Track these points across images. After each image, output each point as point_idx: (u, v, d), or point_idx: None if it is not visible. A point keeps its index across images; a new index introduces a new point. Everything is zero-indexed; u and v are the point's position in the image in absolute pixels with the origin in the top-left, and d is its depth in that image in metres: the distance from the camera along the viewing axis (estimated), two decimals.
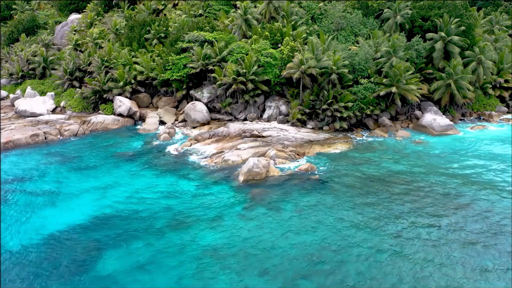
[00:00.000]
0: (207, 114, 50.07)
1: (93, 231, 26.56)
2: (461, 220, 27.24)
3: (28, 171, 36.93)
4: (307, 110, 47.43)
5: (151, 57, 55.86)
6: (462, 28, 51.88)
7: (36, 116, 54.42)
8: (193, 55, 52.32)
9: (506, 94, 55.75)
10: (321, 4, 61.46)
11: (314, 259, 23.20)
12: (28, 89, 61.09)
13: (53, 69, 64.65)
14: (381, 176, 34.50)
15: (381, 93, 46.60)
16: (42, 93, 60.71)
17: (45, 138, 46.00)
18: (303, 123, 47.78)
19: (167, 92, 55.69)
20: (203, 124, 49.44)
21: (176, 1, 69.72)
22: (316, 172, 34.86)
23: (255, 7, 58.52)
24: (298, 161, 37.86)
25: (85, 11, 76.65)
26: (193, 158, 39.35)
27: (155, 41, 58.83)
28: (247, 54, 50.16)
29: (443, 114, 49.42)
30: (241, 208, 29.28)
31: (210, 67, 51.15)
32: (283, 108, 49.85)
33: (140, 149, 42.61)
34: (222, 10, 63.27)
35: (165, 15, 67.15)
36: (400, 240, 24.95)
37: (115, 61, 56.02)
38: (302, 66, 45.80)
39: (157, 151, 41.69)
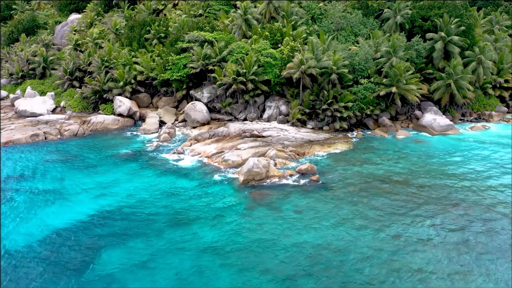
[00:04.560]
0: (207, 114, 50.08)
1: (93, 230, 26.55)
2: (462, 221, 27.23)
3: (28, 170, 36.94)
4: (307, 110, 47.44)
5: (151, 57, 55.87)
6: (462, 28, 51.92)
7: (36, 116, 54.44)
8: (193, 55, 52.33)
9: (506, 94, 55.81)
10: (321, 4, 61.50)
11: (315, 258, 23.19)
12: (28, 89, 61.12)
13: (53, 69, 64.67)
14: (381, 176, 34.50)
15: (381, 93, 46.63)
16: (42, 93, 60.73)
17: (45, 138, 46.01)
18: (303, 123, 47.78)
19: (167, 92, 55.70)
20: (203, 124, 49.44)
21: (176, 1, 69.76)
22: (316, 172, 34.82)
23: (255, 7, 58.54)
24: (298, 161, 37.85)
25: (85, 11, 76.69)
26: (193, 158, 39.33)
27: (155, 41, 58.85)
28: (247, 54, 50.17)
29: (443, 114, 49.45)
30: (241, 207, 29.28)
31: (210, 67, 51.17)
32: (283, 108, 49.86)
33: (140, 149, 42.60)
34: (222, 10, 63.30)
35: (165, 15, 67.17)
36: (400, 240, 24.95)
37: (115, 61, 56.04)
38: (302, 66, 45.80)
39: (157, 151, 41.69)
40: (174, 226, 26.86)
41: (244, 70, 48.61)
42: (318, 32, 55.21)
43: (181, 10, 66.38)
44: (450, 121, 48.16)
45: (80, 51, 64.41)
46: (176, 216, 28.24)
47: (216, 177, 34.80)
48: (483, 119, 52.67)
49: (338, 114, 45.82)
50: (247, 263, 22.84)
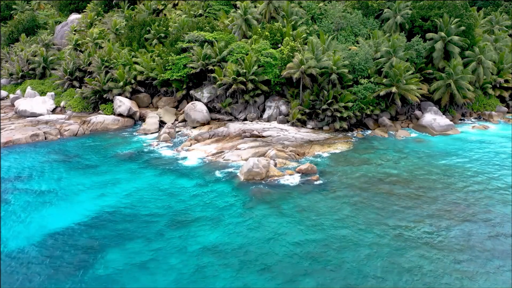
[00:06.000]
0: (207, 114, 50.07)
1: (93, 230, 26.54)
2: (462, 221, 27.23)
3: (28, 170, 36.93)
4: (307, 110, 47.43)
5: (151, 57, 55.86)
6: (462, 28, 51.93)
7: (36, 116, 54.44)
8: (193, 55, 52.32)
9: (506, 94, 55.84)
10: (321, 4, 61.50)
11: (314, 258, 23.19)
12: (28, 89, 61.11)
13: (53, 69, 64.67)
14: (381, 176, 34.49)
15: (381, 93, 46.62)
16: (42, 93, 60.73)
17: (45, 138, 46.00)
18: (303, 123, 47.78)
19: (167, 92, 55.70)
20: (203, 124, 49.43)
21: (176, 1, 69.76)
22: (316, 172, 34.83)
23: (255, 7, 58.54)
24: (298, 161, 37.85)
25: (85, 11, 76.70)
26: (193, 158, 39.33)
27: (155, 41, 58.84)
28: (247, 54, 50.17)
29: (443, 114, 49.46)
30: (241, 207, 29.28)
31: (210, 67, 51.16)
32: (283, 108, 49.85)
33: (140, 149, 42.60)
34: (222, 10, 63.29)
35: (165, 15, 67.18)
36: (400, 240, 24.95)
37: (115, 61, 56.04)
38: (302, 66, 45.80)
39: (157, 151, 41.69)
40: (174, 226, 26.86)
41: (244, 70, 48.61)
42: (318, 32, 55.20)
43: (181, 10, 66.38)
44: (450, 121, 48.15)
45: (80, 51, 64.41)
46: (176, 216, 28.24)
47: (216, 176, 34.78)
48: (483, 119, 52.70)
49: (338, 114, 45.81)
50: (247, 263, 22.85)
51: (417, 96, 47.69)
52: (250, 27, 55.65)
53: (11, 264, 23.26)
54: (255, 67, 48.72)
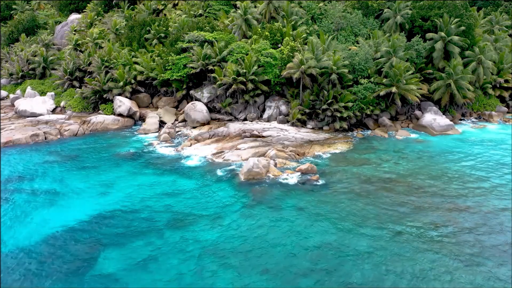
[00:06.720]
0: (207, 114, 50.08)
1: (93, 230, 26.54)
2: (462, 221, 27.23)
3: (28, 170, 36.93)
4: (307, 110, 47.44)
5: (151, 57, 55.88)
6: (462, 28, 51.94)
7: (36, 116, 54.45)
8: (193, 55, 52.33)
9: (506, 94, 55.86)
10: (321, 4, 61.52)
11: (315, 258, 23.19)
12: (28, 89, 61.13)
13: (53, 69, 64.70)
14: (381, 176, 34.49)
15: (381, 93, 46.63)
16: (42, 93, 60.75)
17: (45, 138, 46.01)
18: (303, 123, 47.79)
19: (167, 92, 55.71)
20: (203, 124, 49.44)
21: (176, 1, 69.78)
22: (316, 172, 34.82)
23: (255, 7, 58.56)
24: (298, 161, 37.85)
25: (85, 11, 76.74)
26: (193, 158, 39.34)
27: (155, 41, 58.86)
28: (247, 54, 50.18)
29: (443, 114, 49.47)
30: (242, 207, 29.27)
31: (210, 67, 51.17)
32: (283, 108, 49.86)
33: (140, 149, 42.60)
34: (222, 10, 63.32)
35: (165, 15, 67.20)
36: (400, 240, 24.94)
37: (115, 61, 56.05)
38: (302, 66, 45.81)
39: (157, 151, 41.69)
40: (175, 226, 26.87)
41: (244, 70, 48.61)
42: (318, 32, 55.21)
43: (181, 10, 66.41)
44: (450, 121, 48.15)
45: (80, 51, 64.43)
46: (176, 216, 28.25)
47: (216, 177, 34.78)
48: (483, 119, 52.72)
49: (338, 114, 45.82)
50: (247, 263, 22.84)
51: (417, 96, 47.70)
52: (250, 27, 55.66)
53: (11, 264, 23.25)
54: (255, 67, 48.73)
